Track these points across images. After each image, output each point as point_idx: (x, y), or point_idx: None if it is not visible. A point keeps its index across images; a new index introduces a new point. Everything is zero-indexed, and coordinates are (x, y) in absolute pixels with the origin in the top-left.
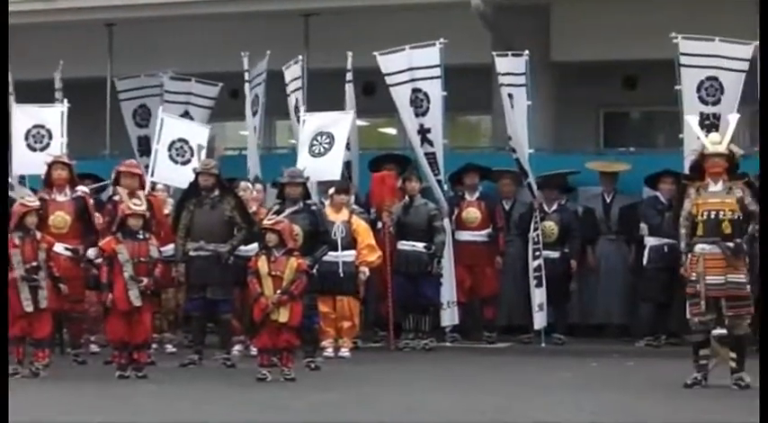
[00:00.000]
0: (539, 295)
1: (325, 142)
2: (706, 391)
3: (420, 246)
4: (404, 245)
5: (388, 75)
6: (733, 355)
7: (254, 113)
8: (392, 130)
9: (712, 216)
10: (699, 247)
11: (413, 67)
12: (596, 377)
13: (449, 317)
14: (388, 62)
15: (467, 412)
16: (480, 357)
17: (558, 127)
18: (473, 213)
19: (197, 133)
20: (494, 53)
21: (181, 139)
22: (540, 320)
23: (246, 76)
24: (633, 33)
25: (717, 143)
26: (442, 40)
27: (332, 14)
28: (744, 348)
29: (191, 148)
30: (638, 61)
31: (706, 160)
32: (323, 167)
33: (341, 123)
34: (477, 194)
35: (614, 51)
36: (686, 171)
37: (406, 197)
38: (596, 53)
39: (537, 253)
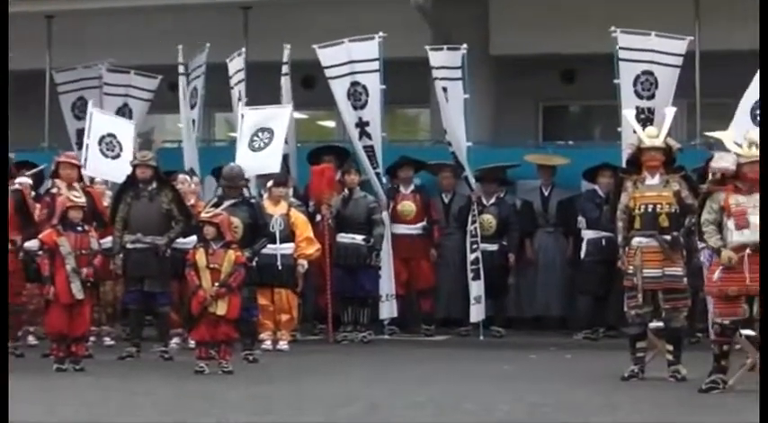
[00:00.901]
0: (476, 288)
1: (265, 138)
2: (643, 384)
3: (359, 238)
4: (343, 237)
5: (327, 67)
6: (669, 347)
7: (193, 106)
8: (331, 123)
9: (649, 209)
10: (636, 241)
11: (352, 60)
12: (534, 369)
13: (387, 309)
14: (327, 55)
15: (404, 404)
16: (418, 350)
17: (497, 120)
18: (408, 206)
19: (124, 128)
20: (427, 47)
21: (110, 134)
22: (476, 313)
23: (181, 69)
24: (572, 27)
25: (654, 137)
26: (381, 33)
27: (271, 7)
28: (680, 341)
29: (119, 143)
30: (577, 55)
31: (643, 154)
32: (262, 162)
33: (280, 118)
34: (412, 187)
35: (553, 45)
36: (623, 165)
37: (345, 190)
38: (535, 47)
39: (474, 246)
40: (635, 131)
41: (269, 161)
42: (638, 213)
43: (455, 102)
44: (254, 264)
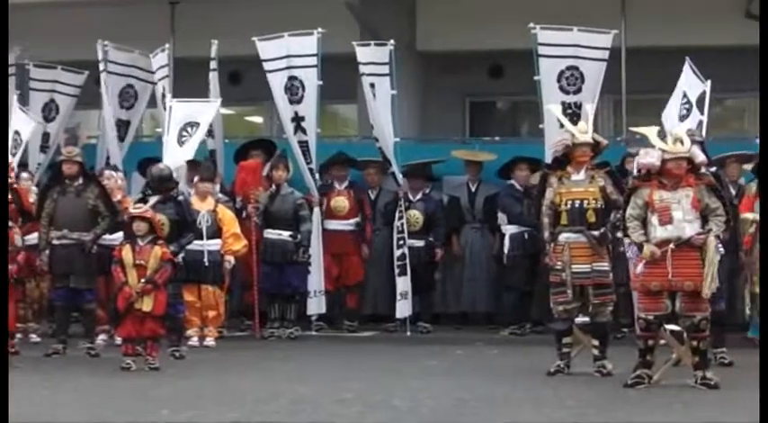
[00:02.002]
0: (402, 284)
1: (193, 133)
2: (568, 379)
3: (286, 234)
4: (270, 233)
5: (266, 61)
6: (596, 342)
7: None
8: (258, 119)
9: (576, 205)
10: (564, 236)
11: (290, 54)
12: (461, 364)
13: (315, 305)
14: (266, 48)
15: (330, 399)
16: (345, 346)
17: (425, 116)
18: (341, 202)
19: (26, 126)
20: (354, 43)
21: (16, 132)
22: (403, 309)
23: (102, 66)
24: (499, 22)
25: (584, 132)
26: (320, 29)
27: (198, 2)
28: (606, 336)
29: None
30: (504, 51)
31: (574, 149)
32: (183, 154)
33: (207, 112)
34: (346, 184)
35: (480, 41)
36: (548, 160)
37: (273, 186)
38: (462, 42)
39: (401, 242)
40: (562, 126)
41: (185, 152)
42: (564, 209)
43: (383, 98)
44: (180, 260)
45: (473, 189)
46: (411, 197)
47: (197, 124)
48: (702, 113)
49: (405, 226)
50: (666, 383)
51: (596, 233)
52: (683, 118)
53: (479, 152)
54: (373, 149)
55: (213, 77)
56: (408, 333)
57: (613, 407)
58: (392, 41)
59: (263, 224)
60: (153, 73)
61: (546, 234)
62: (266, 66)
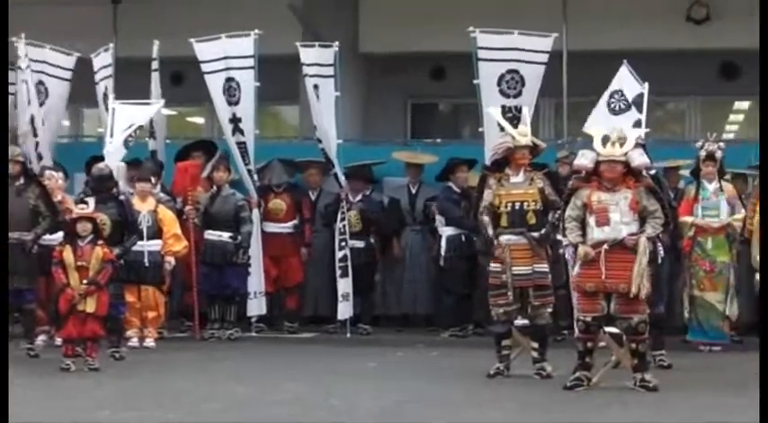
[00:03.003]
0: (343, 285)
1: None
2: (508, 381)
3: (226, 236)
4: (210, 235)
5: (204, 62)
6: (535, 344)
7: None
8: (200, 120)
9: (516, 207)
10: (504, 238)
11: (228, 56)
12: (401, 367)
13: (256, 307)
14: (203, 49)
15: (269, 401)
16: (285, 347)
17: (366, 117)
18: (279, 204)
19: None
20: (298, 44)
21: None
22: (344, 311)
23: (23, 64)
24: (441, 25)
25: (524, 135)
26: (256, 30)
27: (141, 2)
28: (545, 338)
29: None
30: (446, 53)
31: (514, 152)
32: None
33: (150, 113)
34: (283, 186)
35: (422, 43)
36: (487, 162)
37: (214, 187)
38: (404, 44)
39: (343, 243)
40: (502, 129)
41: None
42: (504, 211)
43: (326, 99)
44: (121, 261)
45: (413, 191)
46: (351, 198)
47: (142, 127)
48: (641, 112)
49: (347, 227)
50: (605, 385)
51: (537, 235)
52: (617, 112)
53: (420, 154)
54: (314, 150)
55: (155, 78)
56: (348, 335)
57: (553, 408)
58: (337, 43)
59: (203, 225)
60: (68, 70)
61: (490, 233)
62: (204, 67)
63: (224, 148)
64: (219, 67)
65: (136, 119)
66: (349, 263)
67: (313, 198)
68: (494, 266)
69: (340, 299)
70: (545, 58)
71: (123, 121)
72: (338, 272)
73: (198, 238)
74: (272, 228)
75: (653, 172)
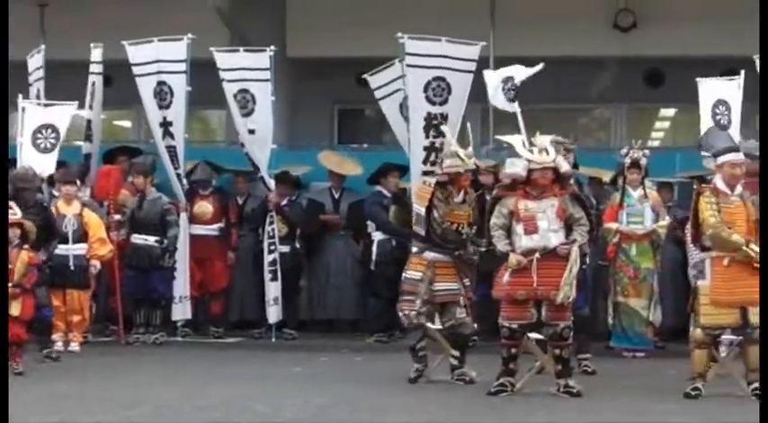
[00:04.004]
0: (273, 289)
1: (50, 137)
2: (432, 386)
3: (152, 239)
4: (136, 238)
5: (135, 65)
6: (456, 353)
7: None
8: (127, 123)
9: (454, 228)
10: (431, 256)
11: (160, 59)
12: (325, 371)
13: (180, 311)
14: (135, 52)
15: (193, 405)
16: (211, 352)
17: (293, 122)
18: (205, 207)
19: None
20: (213, 49)
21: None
22: (274, 314)
23: None
24: (368, 31)
25: (470, 157)
26: (189, 35)
27: (68, 5)
28: (465, 345)
29: None
30: (373, 58)
31: (462, 174)
32: (46, 163)
33: (64, 116)
34: (210, 189)
35: (349, 48)
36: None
37: (139, 191)
38: (331, 49)
39: (272, 247)
40: (435, 136)
41: (49, 159)
42: (444, 227)
43: (262, 104)
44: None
45: (336, 196)
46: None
47: (52, 127)
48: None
49: (276, 231)
50: (529, 391)
51: (463, 252)
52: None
53: (346, 161)
54: (239, 154)
55: (99, 81)
56: (274, 339)
57: (477, 413)
58: (273, 47)
59: (129, 229)
60: None
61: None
62: (136, 70)
63: (150, 152)
64: (151, 70)
65: (48, 120)
66: (278, 267)
67: (240, 202)
68: (411, 274)
69: (270, 302)
70: (472, 66)
71: (34, 121)
72: (268, 276)
73: (123, 242)
74: (198, 230)
75: (579, 178)
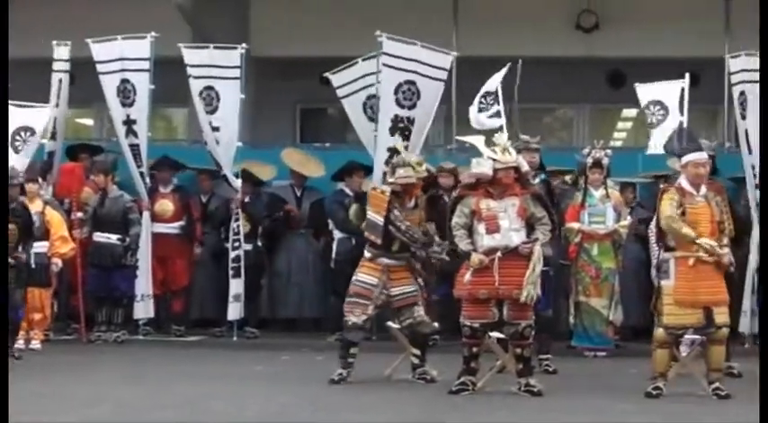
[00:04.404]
0: (235, 286)
1: (27, 138)
2: (394, 385)
3: (114, 238)
4: (98, 237)
5: (99, 63)
6: (416, 351)
7: None
8: (89, 121)
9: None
10: (386, 261)
11: (124, 57)
12: (286, 370)
13: (143, 310)
14: (99, 50)
15: (154, 404)
16: (172, 350)
17: (256, 121)
18: (166, 205)
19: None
20: (181, 46)
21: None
22: (235, 312)
23: None
24: (331, 30)
25: (421, 165)
26: (153, 33)
27: (27, 2)
28: (426, 343)
29: None
30: (335, 58)
31: (413, 183)
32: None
33: (41, 117)
34: (171, 187)
35: (312, 48)
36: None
37: (101, 189)
38: (295, 49)
39: (237, 244)
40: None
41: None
42: (408, 226)
43: (230, 101)
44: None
45: (299, 194)
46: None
47: (30, 129)
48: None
49: (240, 228)
50: (491, 390)
51: (429, 252)
52: (481, 110)
53: (309, 161)
54: (202, 153)
55: (65, 79)
56: (235, 338)
57: (438, 412)
58: (244, 45)
59: (91, 227)
60: None
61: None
62: (100, 68)
63: (112, 150)
64: (115, 68)
65: (26, 122)
66: (242, 264)
67: (204, 201)
68: (366, 278)
69: (231, 299)
70: (444, 75)
71: (12, 123)
72: (231, 272)
73: (86, 240)
74: (159, 228)
75: (543, 176)
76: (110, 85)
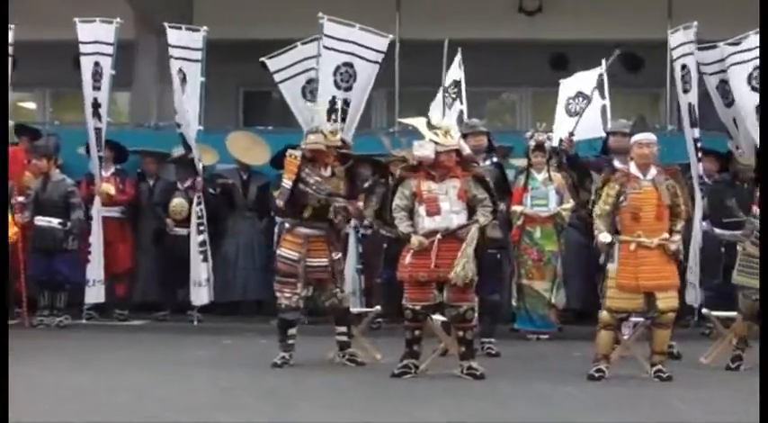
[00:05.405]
0: (203, 270)
1: None
2: (336, 369)
3: (56, 222)
4: (40, 221)
5: (82, 43)
6: (342, 328)
7: None
8: (32, 105)
9: (323, 203)
10: (304, 231)
11: (99, 40)
12: (229, 355)
13: (94, 294)
14: (84, 31)
15: (96, 389)
16: (116, 335)
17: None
18: (107, 189)
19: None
20: (166, 24)
21: None
22: (204, 295)
23: None
24: (275, 12)
25: (335, 133)
26: (118, 19)
27: None
28: (348, 319)
29: None
30: (280, 40)
31: (325, 150)
32: None
33: None
34: (111, 170)
35: (256, 31)
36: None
37: (43, 173)
38: (238, 32)
39: (201, 228)
40: (320, 130)
41: None
42: (312, 204)
43: (192, 84)
44: None
45: (245, 177)
46: (179, 186)
47: None
48: (462, 103)
49: (203, 211)
50: (433, 373)
51: (337, 224)
52: (449, 106)
53: (254, 146)
54: (148, 137)
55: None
56: (178, 322)
57: (380, 395)
58: (206, 27)
59: (33, 211)
60: None
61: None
62: (82, 49)
63: (53, 133)
64: (92, 50)
65: None
66: (208, 247)
67: (151, 184)
68: (288, 253)
69: (202, 283)
70: (380, 57)
71: None
72: (198, 257)
73: (27, 224)
74: (101, 212)
75: (495, 159)
76: (87, 66)
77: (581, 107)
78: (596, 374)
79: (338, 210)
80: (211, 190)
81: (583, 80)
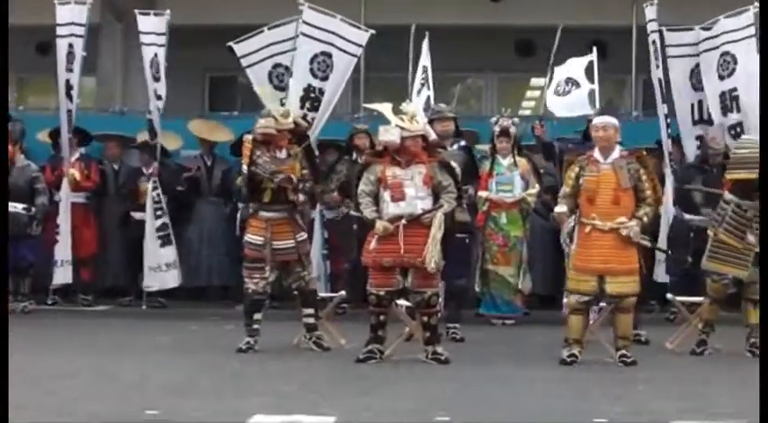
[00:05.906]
0: (166, 254)
1: None
2: (301, 353)
3: (20, 207)
4: None
5: (59, 25)
6: (309, 310)
7: None
8: None
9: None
10: (266, 215)
11: (73, 22)
12: (193, 340)
13: (62, 275)
14: (61, 13)
15: (58, 373)
16: (80, 320)
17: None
18: (72, 174)
19: None
20: (137, 11)
21: None
22: (171, 280)
23: None
24: None
25: (286, 117)
26: (90, 0)
27: None
28: (316, 301)
29: None
30: (246, 26)
31: (277, 134)
32: None
33: None
34: (76, 155)
35: (221, 15)
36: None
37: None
38: (203, 17)
39: (159, 213)
40: (270, 114)
41: None
42: (269, 187)
43: (163, 69)
44: None
45: (209, 163)
46: (144, 170)
47: None
48: (429, 89)
49: (161, 196)
50: (398, 358)
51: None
52: (418, 93)
53: (216, 129)
54: (112, 121)
55: None
56: (144, 307)
57: (345, 381)
58: (168, 11)
59: None
60: None
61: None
62: (58, 30)
63: (17, 119)
64: (66, 32)
65: None
66: (171, 231)
67: (116, 168)
68: (253, 238)
69: (164, 268)
70: (358, 51)
71: None
72: (157, 242)
73: None
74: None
75: (462, 143)
76: (62, 47)
77: (567, 89)
78: (568, 359)
79: (282, 182)
80: (180, 187)
81: (571, 67)
